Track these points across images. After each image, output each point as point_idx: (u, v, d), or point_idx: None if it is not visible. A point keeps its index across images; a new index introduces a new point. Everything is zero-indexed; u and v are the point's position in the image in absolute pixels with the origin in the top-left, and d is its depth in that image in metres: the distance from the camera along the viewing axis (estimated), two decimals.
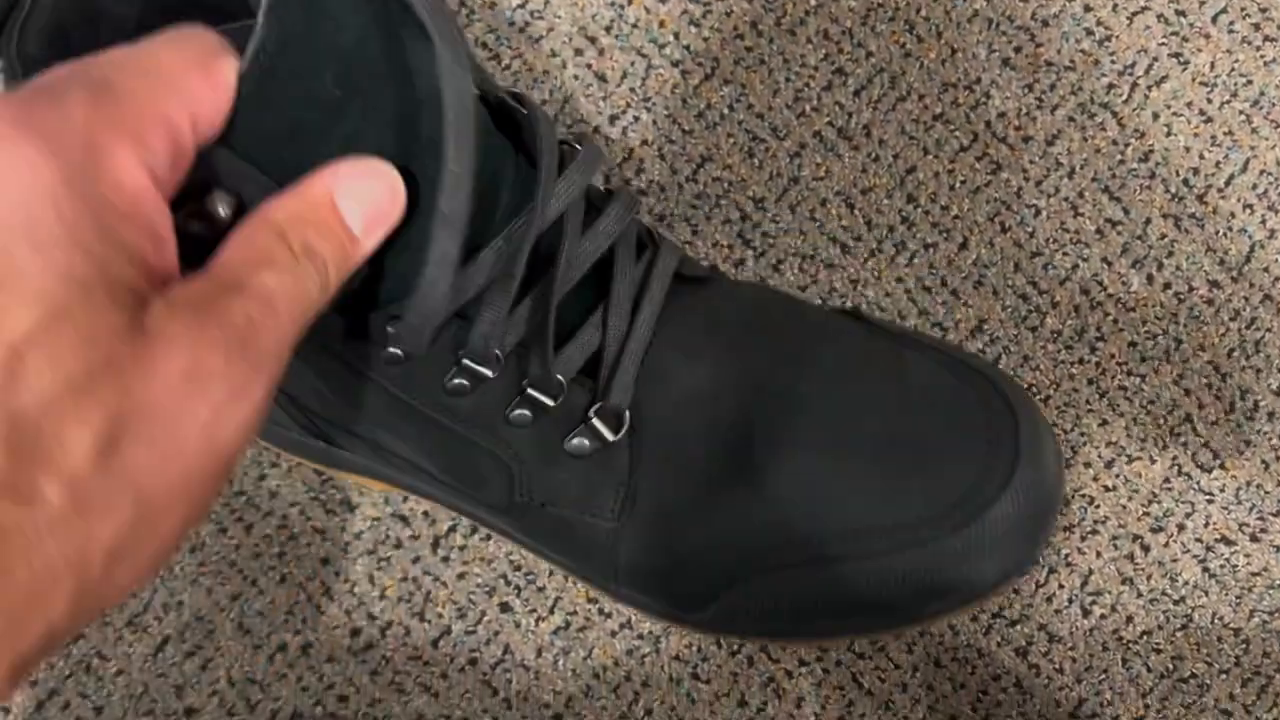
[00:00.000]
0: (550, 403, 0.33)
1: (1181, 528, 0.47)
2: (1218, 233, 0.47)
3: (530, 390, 0.32)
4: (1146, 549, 0.47)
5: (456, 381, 0.32)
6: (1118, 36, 0.48)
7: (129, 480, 0.21)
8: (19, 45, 0.27)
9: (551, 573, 0.46)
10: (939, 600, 0.35)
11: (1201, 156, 0.47)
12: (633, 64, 0.47)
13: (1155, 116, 0.47)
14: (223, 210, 0.25)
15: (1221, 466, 0.47)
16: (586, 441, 0.34)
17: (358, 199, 0.25)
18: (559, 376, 0.32)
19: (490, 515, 0.39)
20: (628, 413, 0.33)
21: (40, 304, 0.20)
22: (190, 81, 0.23)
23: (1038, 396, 0.47)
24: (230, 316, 0.22)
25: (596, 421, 0.33)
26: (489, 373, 0.32)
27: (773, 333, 0.35)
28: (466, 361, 0.31)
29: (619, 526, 0.35)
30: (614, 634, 0.46)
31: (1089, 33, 0.48)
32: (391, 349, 0.31)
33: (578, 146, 0.32)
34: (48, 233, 0.20)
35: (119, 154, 0.21)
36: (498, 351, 0.31)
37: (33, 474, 0.20)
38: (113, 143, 0.21)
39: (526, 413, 0.33)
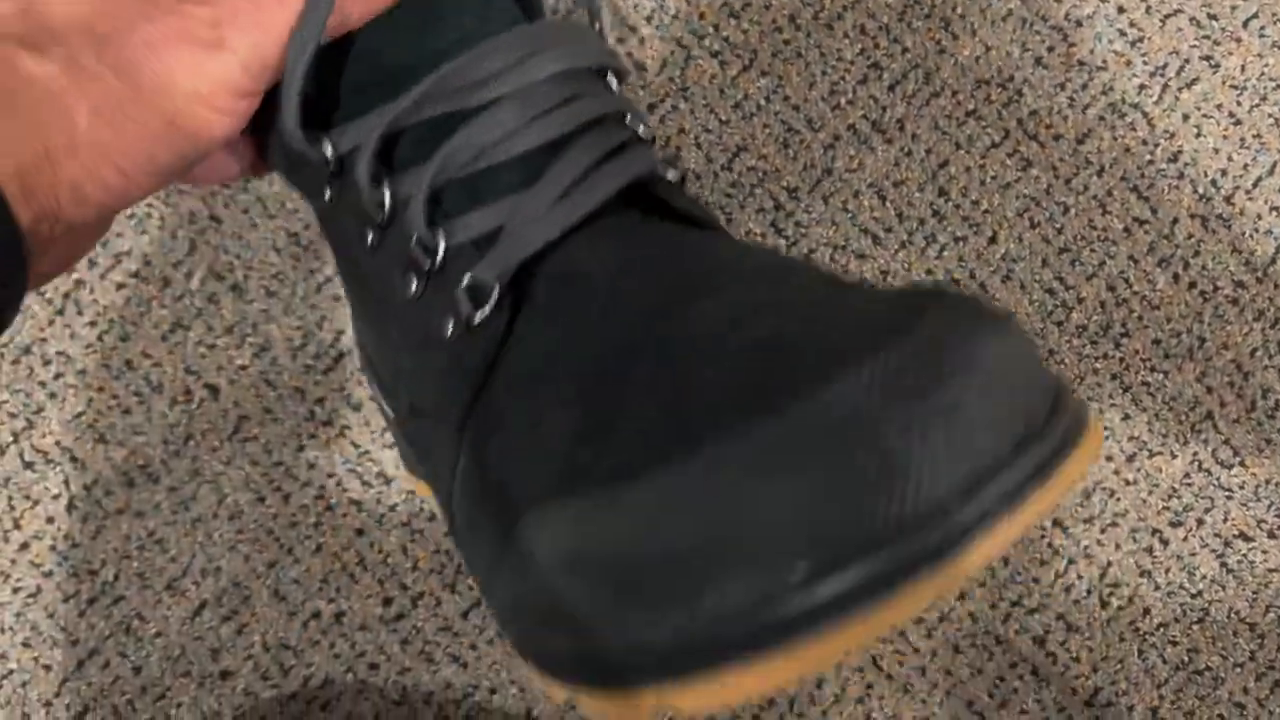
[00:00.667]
0: (426, 263, 0.27)
1: (1200, 523, 0.47)
2: (1244, 233, 0.48)
3: (414, 248, 0.28)
4: (1165, 543, 0.47)
5: (370, 233, 0.28)
6: (1150, 38, 0.48)
7: (114, 69, 0.24)
8: None
9: None
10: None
11: (1230, 158, 0.48)
12: (672, 54, 0.48)
13: (1185, 118, 0.48)
14: None
15: (1242, 464, 0.47)
16: (451, 323, 0.28)
17: None
18: (440, 240, 0.27)
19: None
20: (496, 291, 0.27)
21: None
22: None
23: None
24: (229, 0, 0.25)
25: (461, 293, 0.27)
26: (375, 216, 0.28)
27: (705, 276, 0.27)
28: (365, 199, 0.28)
29: (460, 436, 0.29)
30: None
31: (1121, 34, 0.48)
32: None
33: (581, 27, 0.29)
34: None
35: None
36: (386, 196, 0.27)
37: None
38: None
39: (413, 278, 0.28)
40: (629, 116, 0.29)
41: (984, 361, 0.21)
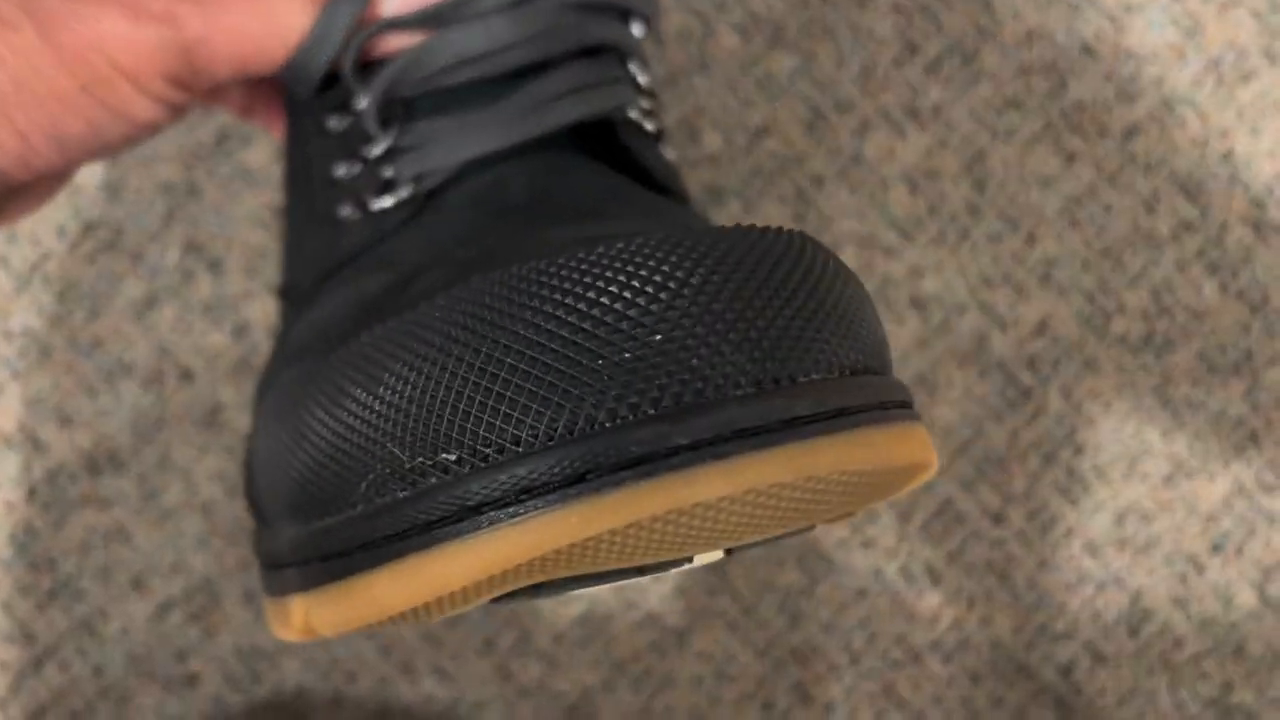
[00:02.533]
0: (363, 153, 0.25)
1: (1240, 550, 0.44)
2: None
3: (359, 141, 0.26)
4: (1202, 570, 0.44)
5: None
6: (1206, 28, 0.45)
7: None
8: None
9: None
10: None
11: None
12: (691, 26, 0.44)
13: (1240, 115, 0.45)
14: None
15: None
16: (350, 205, 0.26)
17: None
18: (386, 139, 0.25)
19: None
20: (408, 189, 0.25)
21: None
22: None
23: (1100, 400, 0.44)
24: None
25: (372, 181, 0.25)
26: (342, 110, 0.26)
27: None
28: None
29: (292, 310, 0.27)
30: (638, 626, 0.44)
31: (1176, 22, 0.45)
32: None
33: None
34: None
35: None
36: (360, 96, 0.25)
37: None
38: None
39: (344, 165, 0.26)
40: (631, 58, 0.27)
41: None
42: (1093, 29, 0.45)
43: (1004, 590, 0.44)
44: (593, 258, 0.18)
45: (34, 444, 0.44)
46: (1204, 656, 0.44)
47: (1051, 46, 0.45)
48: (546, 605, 0.44)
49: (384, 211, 0.25)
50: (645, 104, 0.27)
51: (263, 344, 0.44)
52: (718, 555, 0.21)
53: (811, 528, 0.22)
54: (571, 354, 0.17)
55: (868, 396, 0.19)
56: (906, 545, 0.44)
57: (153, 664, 0.44)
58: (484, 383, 0.17)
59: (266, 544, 0.22)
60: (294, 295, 0.27)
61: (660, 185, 0.27)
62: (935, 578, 0.44)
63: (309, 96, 0.26)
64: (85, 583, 0.43)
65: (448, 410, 0.18)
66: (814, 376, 0.18)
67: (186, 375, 0.44)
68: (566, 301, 0.17)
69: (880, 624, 0.44)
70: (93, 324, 0.44)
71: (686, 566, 0.21)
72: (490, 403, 0.17)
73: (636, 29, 0.27)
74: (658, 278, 0.17)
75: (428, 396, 0.18)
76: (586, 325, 0.17)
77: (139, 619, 0.43)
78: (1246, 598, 0.44)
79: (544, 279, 0.18)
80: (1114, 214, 0.45)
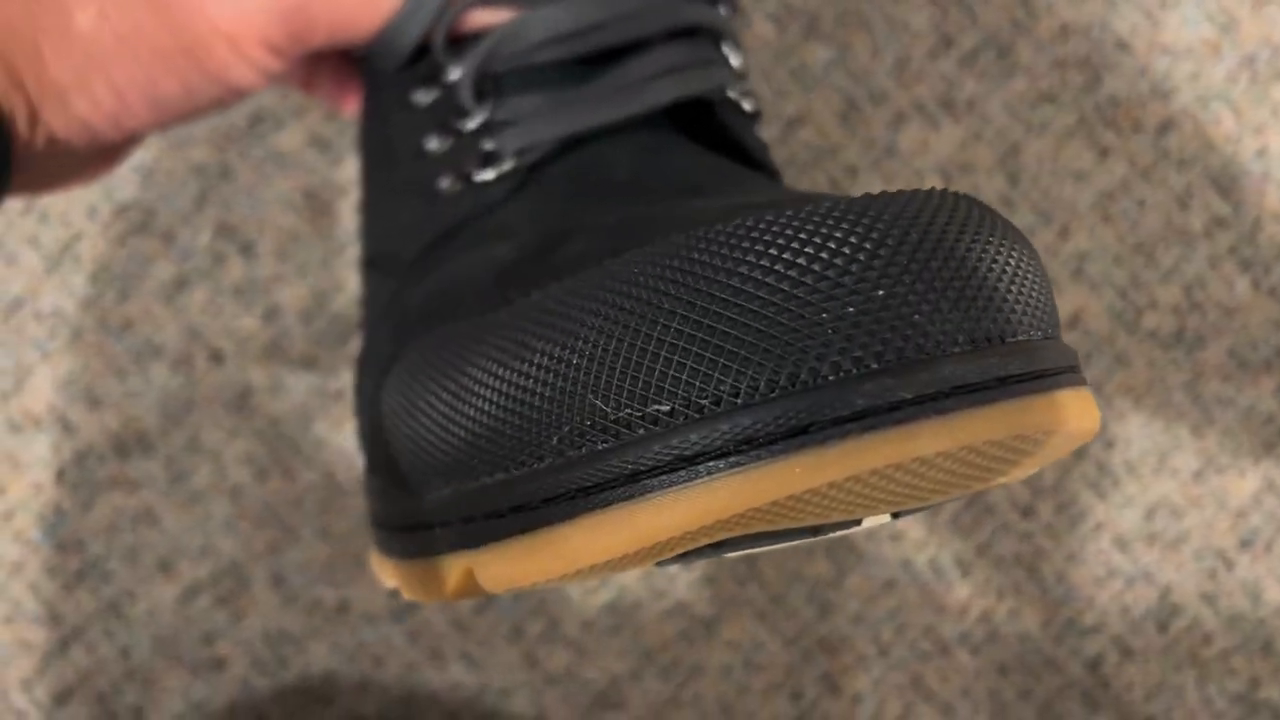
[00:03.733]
0: (456, 126, 0.26)
1: (1269, 547, 0.44)
2: None
3: (452, 114, 0.26)
4: (1231, 566, 0.44)
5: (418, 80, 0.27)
6: (1242, 24, 0.45)
7: None
8: None
9: None
10: None
11: None
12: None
13: (1275, 112, 0.45)
14: None
15: None
16: (451, 177, 0.26)
17: None
18: (482, 113, 0.26)
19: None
20: (510, 162, 0.25)
21: None
22: None
23: (1130, 395, 0.44)
24: None
25: (474, 154, 0.26)
26: (433, 83, 0.26)
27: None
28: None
29: (398, 286, 0.26)
30: (667, 614, 0.44)
31: (1211, 18, 0.45)
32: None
33: None
34: None
35: None
36: (452, 68, 0.26)
37: None
38: None
39: (437, 137, 0.26)
40: (725, 39, 0.27)
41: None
42: (1128, 24, 0.45)
43: (1032, 583, 0.44)
44: (803, 215, 0.18)
45: (63, 425, 0.43)
46: (1232, 652, 0.44)
47: (1086, 41, 0.45)
48: (574, 593, 0.44)
49: (487, 184, 0.25)
50: (743, 84, 0.28)
51: (294, 328, 0.44)
52: (885, 519, 0.21)
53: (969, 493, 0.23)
54: (792, 308, 0.17)
55: (1060, 359, 0.19)
56: (936, 537, 0.44)
57: (179, 647, 0.43)
58: (699, 335, 0.17)
59: (399, 507, 0.22)
60: (390, 265, 0.27)
61: (756, 162, 0.28)
62: (964, 570, 0.44)
63: (395, 69, 0.26)
64: (113, 565, 0.43)
65: (659, 363, 0.17)
66: (1019, 337, 0.18)
67: (216, 358, 0.43)
68: (785, 257, 0.17)
69: (909, 615, 0.44)
70: (123, 305, 0.44)
71: (854, 529, 0.21)
72: (707, 354, 0.17)
73: (724, 9, 0.28)
74: (875, 235, 0.17)
75: (635, 350, 0.18)
76: (807, 280, 0.17)
77: (166, 602, 0.43)
78: (1275, 594, 0.44)
79: (756, 234, 0.18)
80: (1147, 209, 0.45)
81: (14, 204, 0.43)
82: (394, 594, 0.43)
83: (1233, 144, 0.45)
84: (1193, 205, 0.45)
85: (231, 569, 0.44)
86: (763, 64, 0.44)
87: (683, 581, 0.44)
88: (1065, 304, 0.44)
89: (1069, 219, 0.44)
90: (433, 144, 0.26)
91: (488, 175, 0.25)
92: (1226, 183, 0.45)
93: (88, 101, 0.23)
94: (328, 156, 0.44)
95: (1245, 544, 0.44)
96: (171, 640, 0.43)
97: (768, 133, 0.44)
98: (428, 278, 0.25)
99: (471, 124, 0.25)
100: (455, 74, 0.26)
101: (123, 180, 0.43)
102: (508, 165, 0.25)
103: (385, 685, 0.44)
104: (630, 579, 0.43)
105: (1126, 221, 0.44)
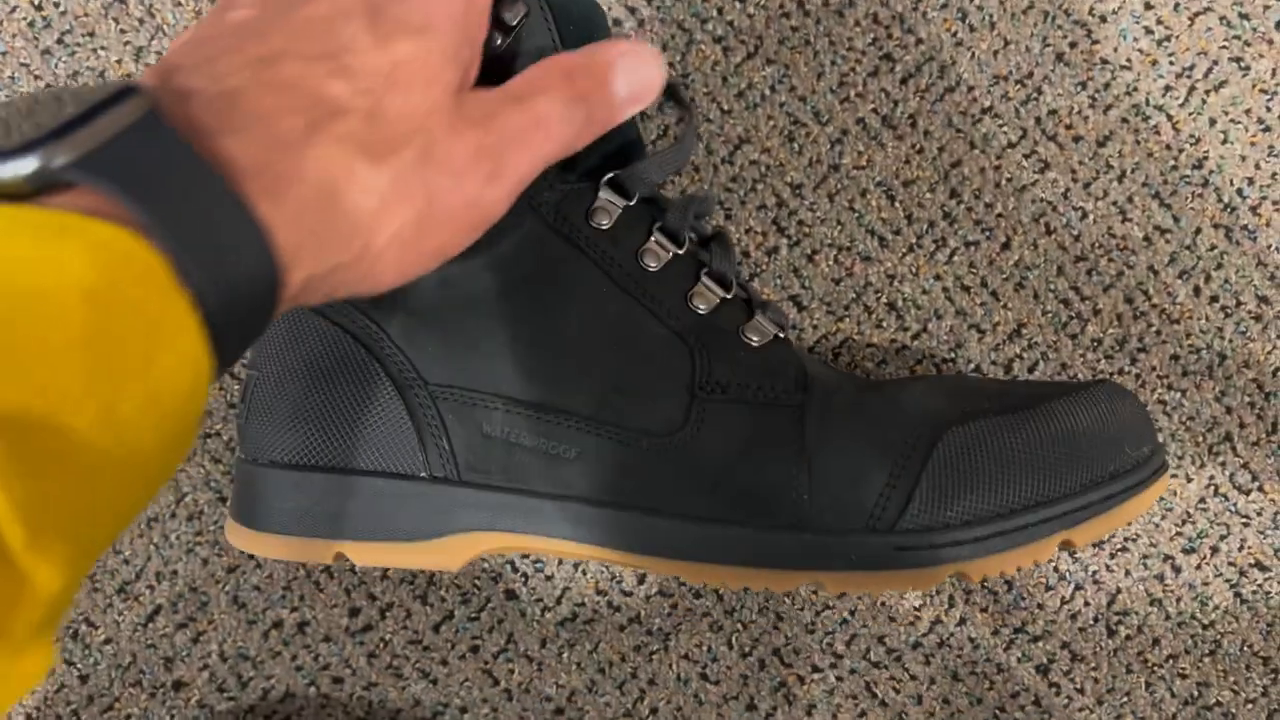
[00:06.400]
0: (725, 294, 0.36)
1: (1215, 550, 0.45)
2: (1270, 246, 0.45)
3: (705, 278, 0.37)
4: (1178, 570, 0.45)
5: (649, 249, 0.36)
6: (1178, 37, 0.46)
7: (426, 186, 0.27)
8: None
9: (560, 562, 0.44)
10: None
11: (1258, 166, 0.46)
12: (673, 38, 0.45)
13: (1212, 122, 0.46)
14: (509, 18, 0.33)
15: (1260, 489, 0.45)
16: (756, 337, 0.37)
17: (629, 75, 0.30)
18: (731, 276, 0.37)
19: (640, 458, 0.35)
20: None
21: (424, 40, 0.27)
22: None
23: None
24: (507, 121, 0.28)
25: (760, 320, 0.37)
26: (675, 249, 0.36)
27: None
28: (658, 234, 0.36)
29: (803, 401, 0.36)
30: (622, 629, 0.44)
31: (1148, 31, 0.46)
32: (606, 196, 0.36)
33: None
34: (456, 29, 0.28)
35: None
36: (688, 231, 0.37)
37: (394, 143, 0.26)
38: None
39: (701, 303, 0.36)
40: None
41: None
42: (1066, 38, 0.45)
43: (982, 591, 0.45)
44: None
45: None
46: (1181, 656, 0.45)
47: (1025, 56, 0.45)
48: (531, 610, 0.44)
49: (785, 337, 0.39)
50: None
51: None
52: None
53: None
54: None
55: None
56: None
57: (139, 671, 0.44)
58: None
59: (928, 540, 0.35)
60: (778, 394, 0.37)
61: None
62: None
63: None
64: None
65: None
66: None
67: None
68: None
69: (861, 625, 0.44)
70: None
71: None
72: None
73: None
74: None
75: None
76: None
77: (126, 626, 0.44)
78: (1223, 597, 0.45)
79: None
80: (1088, 220, 0.45)
81: None
82: (353, 613, 0.44)
83: (1172, 154, 0.46)
84: (1133, 215, 0.45)
85: (191, 592, 0.44)
86: (709, 85, 0.45)
87: (639, 595, 0.44)
88: (1008, 315, 0.45)
89: (1011, 231, 0.45)
90: (658, 263, 0.37)
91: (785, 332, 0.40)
92: (1166, 193, 0.46)
93: (394, 274, 0.27)
94: None
95: (1191, 548, 0.45)
96: (131, 665, 0.44)
97: (715, 153, 0.45)
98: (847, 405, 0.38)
99: (682, 249, 0.38)
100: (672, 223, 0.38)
101: None
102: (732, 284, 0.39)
103: (345, 704, 0.44)
104: (588, 593, 0.44)
105: (1068, 233, 0.45)
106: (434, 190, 0.27)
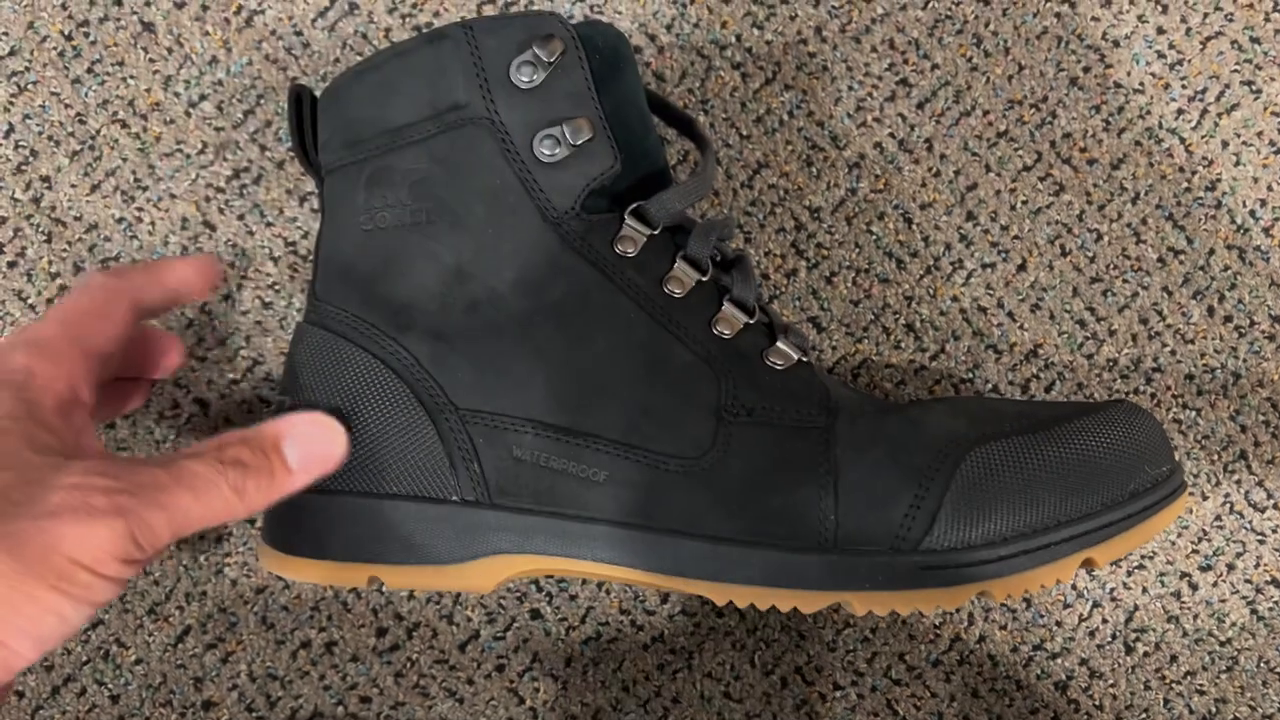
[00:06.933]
0: (748, 319, 0.37)
1: (1231, 567, 0.46)
2: None
3: (728, 304, 0.37)
4: (1194, 587, 0.46)
5: (674, 276, 0.37)
6: (1190, 61, 0.46)
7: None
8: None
9: (584, 582, 0.45)
10: None
11: (1270, 188, 0.46)
12: (693, 64, 0.46)
13: (1224, 145, 0.46)
14: (545, 55, 0.35)
15: (1275, 506, 0.46)
16: (780, 361, 0.37)
17: (301, 442, 0.33)
18: (753, 301, 0.38)
19: (668, 480, 0.36)
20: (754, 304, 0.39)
21: None
22: (95, 324, 0.34)
23: None
24: (136, 476, 0.29)
25: (783, 344, 0.38)
26: (699, 276, 0.37)
27: None
28: (681, 262, 0.37)
29: (828, 424, 0.36)
30: (646, 647, 0.45)
31: (1160, 55, 0.46)
32: (631, 225, 0.36)
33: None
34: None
35: (46, 381, 0.32)
36: (711, 256, 0.38)
37: None
38: (43, 372, 0.32)
39: (725, 328, 0.37)
40: None
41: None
42: (1080, 63, 0.46)
43: (1001, 608, 0.45)
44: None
45: None
46: (1198, 672, 0.45)
47: (1040, 81, 0.46)
48: (555, 629, 0.45)
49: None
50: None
51: (276, 376, 0.45)
52: None
53: None
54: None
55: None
56: None
57: (169, 691, 0.44)
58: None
59: (958, 557, 0.35)
60: (804, 417, 0.38)
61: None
62: None
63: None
64: (103, 611, 0.44)
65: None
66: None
67: (202, 407, 0.45)
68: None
69: (882, 642, 0.45)
70: None
71: None
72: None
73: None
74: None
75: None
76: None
77: (156, 647, 0.44)
78: (1239, 614, 0.46)
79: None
80: (1103, 242, 0.46)
81: (1, 258, 0.44)
82: (380, 633, 0.44)
83: (1185, 176, 0.46)
84: (1147, 237, 0.46)
85: (220, 613, 0.44)
86: (729, 111, 0.46)
87: (662, 614, 0.45)
88: (1025, 336, 0.46)
89: (1027, 253, 0.46)
90: (685, 289, 0.38)
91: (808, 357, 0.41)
92: (1180, 215, 0.46)
93: None
94: (306, 207, 0.45)
95: (1207, 566, 0.46)
96: (162, 685, 0.44)
97: (735, 177, 0.46)
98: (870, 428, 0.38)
99: (706, 277, 0.38)
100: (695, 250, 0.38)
101: (108, 236, 0.45)
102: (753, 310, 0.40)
103: None
104: (611, 612, 0.45)
105: (1083, 254, 0.46)
106: (14, 549, 0.27)
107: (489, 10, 0.46)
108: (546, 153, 0.35)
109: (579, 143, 0.35)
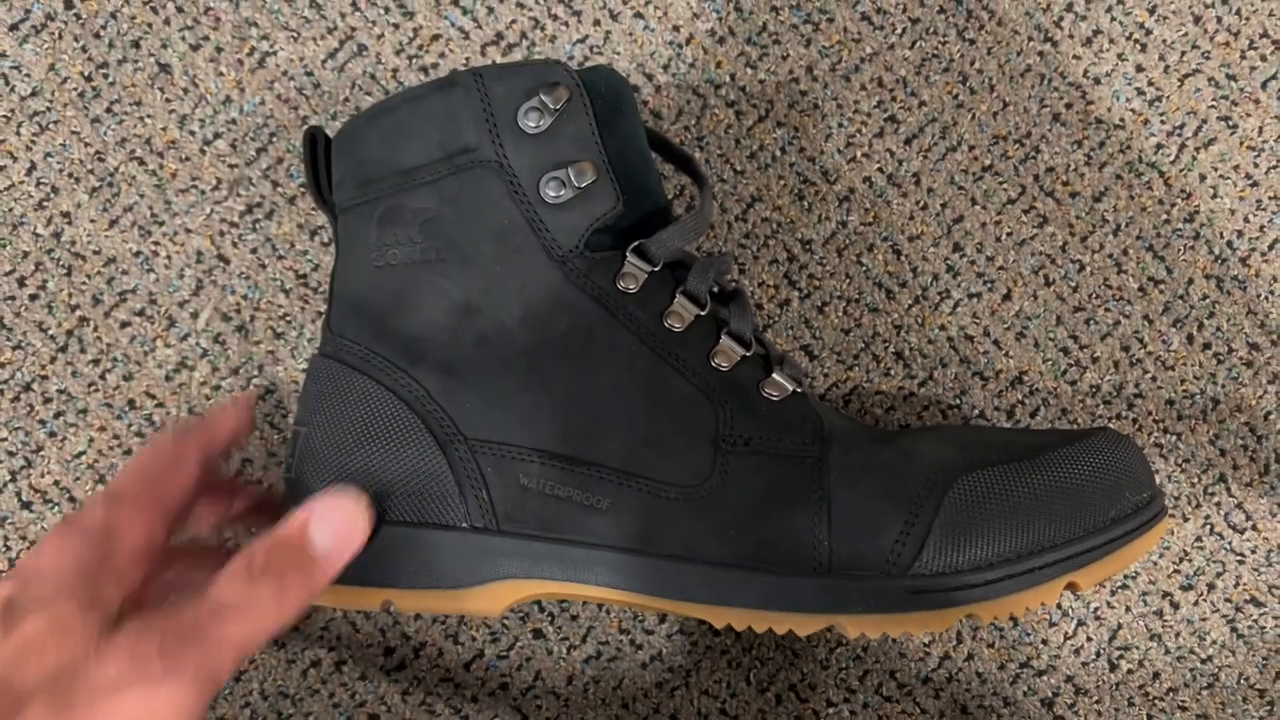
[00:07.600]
0: (745, 352, 0.39)
1: (1212, 587, 0.47)
2: (1259, 296, 0.48)
3: (726, 337, 0.39)
4: (1176, 606, 0.47)
5: (673, 310, 0.38)
6: (1168, 97, 0.48)
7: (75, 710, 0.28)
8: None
9: (585, 603, 0.46)
10: None
11: (1246, 220, 0.48)
12: (688, 102, 0.47)
13: (1202, 178, 0.48)
14: (551, 103, 0.37)
15: (1254, 528, 0.47)
16: (776, 392, 0.39)
17: (325, 529, 0.34)
18: (750, 334, 0.39)
19: (668, 508, 0.37)
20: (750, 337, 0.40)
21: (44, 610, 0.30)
22: (169, 477, 0.35)
23: None
24: (179, 618, 0.30)
25: (778, 375, 0.39)
26: (698, 310, 0.38)
27: None
28: (681, 298, 0.38)
29: (822, 453, 0.38)
30: (645, 666, 0.46)
31: (1140, 92, 0.48)
32: (633, 262, 0.38)
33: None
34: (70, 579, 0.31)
35: (125, 531, 0.33)
36: (709, 291, 0.39)
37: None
38: (122, 523, 0.33)
39: (723, 361, 0.38)
40: None
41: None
42: (1062, 99, 0.48)
43: (988, 627, 0.47)
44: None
45: (70, 500, 0.46)
46: (1180, 689, 0.47)
47: (1024, 117, 0.48)
48: (557, 648, 0.46)
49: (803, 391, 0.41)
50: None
51: (289, 404, 0.46)
52: None
53: None
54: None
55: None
56: None
57: None
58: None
59: (947, 581, 0.37)
60: (799, 447, 0.39)
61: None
62: None
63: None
64: None
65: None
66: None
67: None
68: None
69: (873, 660, 0.46)
70: (126, 386, 0.46)
71: None
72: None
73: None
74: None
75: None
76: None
77: None
78: (1220, 632, 0.47)
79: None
80: (1085, 272, 0.48)
81: (23, 291, 0.46)
82: (388, 652, 0.46)
83: (1165, 209, 0.48)
84: (1128, 267, 0.48)
85: None
86: (723, 148, 0.47)
87: (660, 634, 0.46)
88: (1010, 363, 0.47)
89: (1011, 283, 0.47)
90: (683, 325, 0.39)
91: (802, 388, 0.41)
92: (1159, 245, 0.48)
93: None
94: (317, 241, 0.47)
95: (1188, 585, 0.47)
96: None
97: (730, 211, 0.47)
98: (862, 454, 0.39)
99: (704, 311, 0.40)
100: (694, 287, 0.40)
101: (125, 269, 0.46)
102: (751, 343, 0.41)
103: None
104: (611, 631, 0.46)
105: (1066, 284, 0.48)
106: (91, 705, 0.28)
107: (493, 51, 0.48)
108: (552, 194, 0.37)
109: (583, 185, 0.37)
